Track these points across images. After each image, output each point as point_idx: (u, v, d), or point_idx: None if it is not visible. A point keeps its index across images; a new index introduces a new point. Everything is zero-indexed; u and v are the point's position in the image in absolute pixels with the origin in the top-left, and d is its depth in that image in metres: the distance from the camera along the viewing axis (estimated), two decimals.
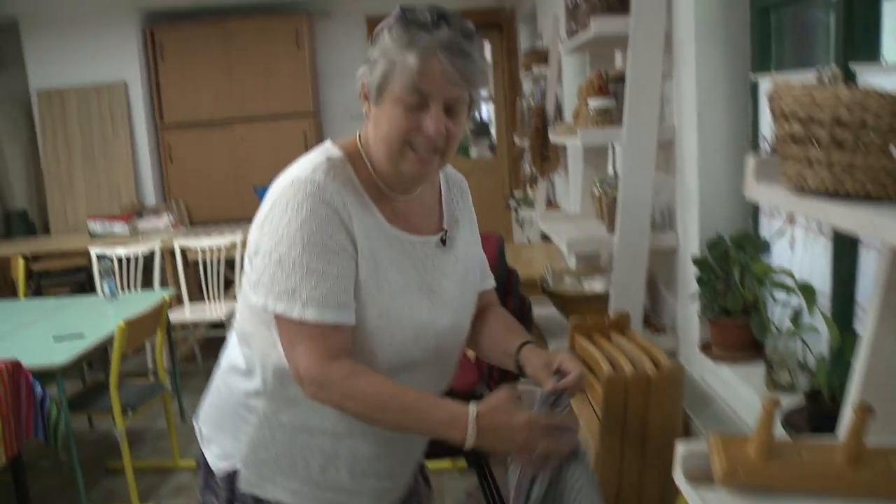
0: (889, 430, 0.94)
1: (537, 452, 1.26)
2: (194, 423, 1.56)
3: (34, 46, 6.37)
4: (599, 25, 2.42)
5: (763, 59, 2.15)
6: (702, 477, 0.92)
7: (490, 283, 1.62)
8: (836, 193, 0.74)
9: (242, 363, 1.42)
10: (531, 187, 5.15)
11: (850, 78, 1.68)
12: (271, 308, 1.29)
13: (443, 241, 1.45)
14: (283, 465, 1.40)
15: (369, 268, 1.31)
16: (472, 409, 1.24)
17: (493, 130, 8.44)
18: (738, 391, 2.00)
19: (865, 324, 0.96)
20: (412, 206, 1.43)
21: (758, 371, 1.99)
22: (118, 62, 6.34)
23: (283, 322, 1.29)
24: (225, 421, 1.46)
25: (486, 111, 10.39)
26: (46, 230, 6.55)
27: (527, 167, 5.18)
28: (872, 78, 1.64)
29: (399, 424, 1.30)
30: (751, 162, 0.89)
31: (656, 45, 2.36)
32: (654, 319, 2.72)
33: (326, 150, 1.38)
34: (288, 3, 6.52)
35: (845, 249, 1.75)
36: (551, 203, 5.01)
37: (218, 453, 1.46)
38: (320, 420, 1.38)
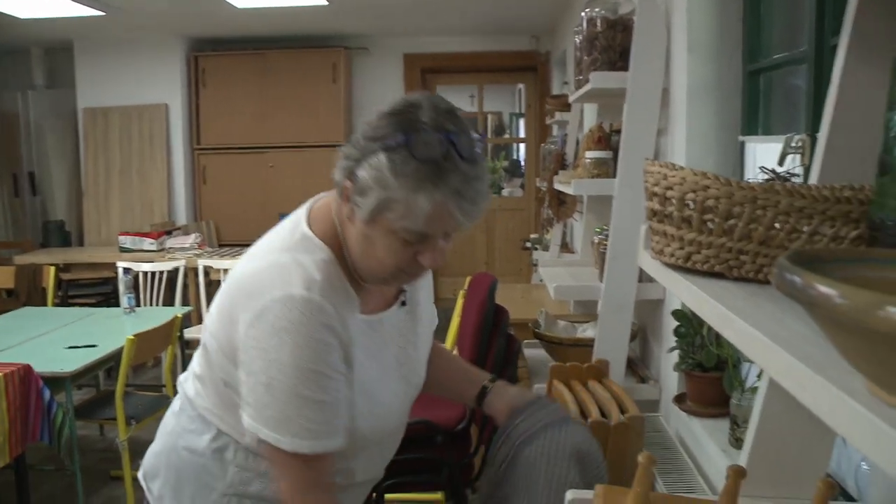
0: (772, 488, 0.99)
1: None
2: (141, 478, 1.48)
3: (85, 67, 6.65)
4: (598, 80, 2.49)
5: (752, 121, 2.21)
6: None
7: (435, 321, 1.60)
8: (686, 269, 0.80)
9: (209, 434, 1.37)
10: (547, 230, 5.21)
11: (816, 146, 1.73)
12: (262, 435, 1.21)
13: (403, 303, 1.41)
14: None
15: (360, 374, 1.28)
16: None
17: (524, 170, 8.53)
18: (703, 445, 2.03)
19: (759, 387, 1.01)
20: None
21: (725, 427, 2.01)
22: (161, 85, 6.59)
23: (270, 448, 1.23)
24: (182, 484, 1.40)
25: (522, 150, 10.50)
26: (81, 242, 6.77)
27: (546, 210, 5.24)
28: None
29: None
30: (642, 229, 0.95)
31: (653, 102, 2.42)
32: (641, 369, 2.75)
33: (310, 243, 1.27)
34: (327, 38, 6.71)
35: None
36: (567, 247, 5.06)
37: None
38: None
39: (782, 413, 0.98)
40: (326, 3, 5.12)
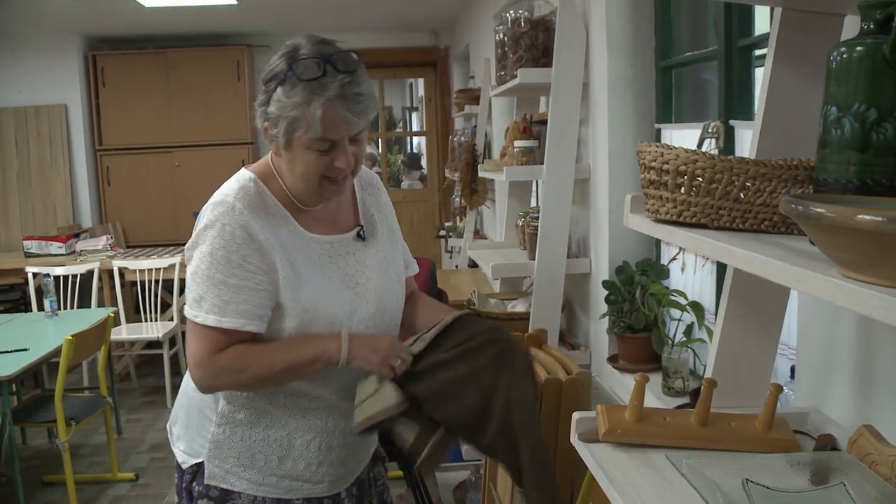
0: (730, 400, 1.25)
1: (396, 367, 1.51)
2: (168, 427, 1.72)
3: None
4: (525, 76, 2.73)
5: (665, 111, 2.50)
6: (591, 436, 1.20)
7: (413, 269, 1.81)
8: (678, 223, 1.05)
9: None
10: (461, 218, 5.45)
11: (729, 131, 2.03)
12: (186, 314, 1.49)
13: (360, 236, 1.62)
14: (244, 459, 1.56)
15: (288, 272, 1.48)
16: (345, 330, 1.51)
17: (424, 163, 8.73)
18: None
19: (717, 319, 1.27)
20: (328, 209, 1.60)
21: (656, 379, 2.30)
22: (59, 85, 6.42)
23: (189, 323, 1.50)
24: (191, 421, 1.62)
25: (418, 143, 10.71)
26: None
27: (457, 199, 5.49)
28: (746, 131, 1.99)
29: (291, 366, 1.49)
30: (627, 198, 1.19)
31: (575, 95, 2.69)
32: (570, 338, 3.03)
33: (240, 175, 1.56)
34: (229, 36, 6.73)
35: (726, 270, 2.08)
36: (479, 233, 5.33)
37: (185, 450, 1.62)
38: (273, 417, 1.56)
39: (734, 339, 1.24)
40: (235, 2, 5.18)
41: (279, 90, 1.42)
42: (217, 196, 1.51)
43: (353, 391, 1.56)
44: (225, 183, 1.56)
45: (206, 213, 1.49)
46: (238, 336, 1.47)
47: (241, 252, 1.45)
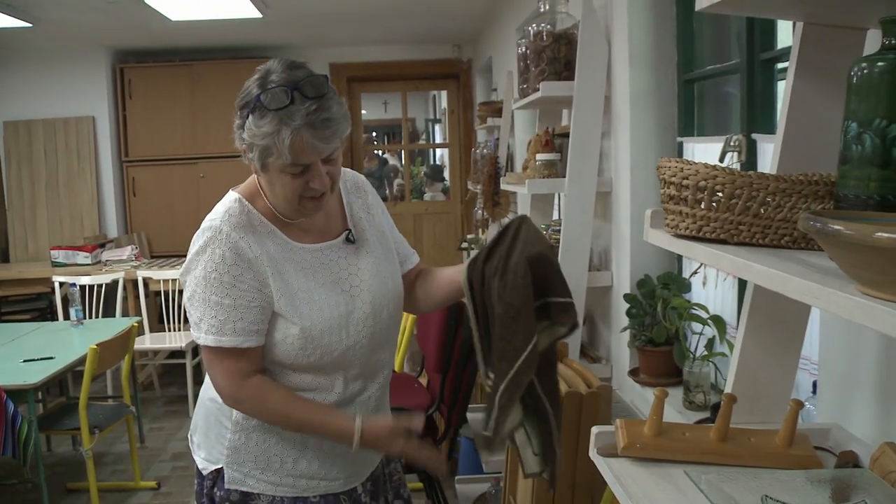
0: (750, 415, 1.24)
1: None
2: (189, 436, 1.78)
3: (4, 78, 6.52)
4: (547, 89, 2.74)
5: (687, 124, 2.50)
6: (610, 451, 1.20)
7: (413, 260, 1.83)
8: (698, 238, 1.05)
9: None
10: (483, 230, 5.46)
11: (751, 145, 2.02)
12: (193, 337, 1.56)
13: (349, 240, 1.66)
14: (261, 463, 1.62)
15: (280, 285, 1.53)
16: (358, 421, 1.55)
17: (446, 174, 8.74)
18: None
19: (737, 336, 1.26)
20: (316, 220, 1.63)
21: (678, 393, 2.29)
22: (87, 97, 6.52)
23: (201, 347, 1.57)
24: (209, 430, 1.68)
25: (441, 155, 10.74)
26: (5, 258, 6.63)
27: (479, 211, 5.50)
28: (768, 145, 1.98)
29: (301, 432, 1.59)
30: (647, 213, 1.20)
31: (597, 108, 2.69)
32: (591, 351, 3.02)
33: (227, 197, 1.60)
34: (254, 49, 6.80)
35: (747, 285, 2.07)
36: None
37: (205, 457, 1.68)
38: None
39: (754, 354, 1.24)
40: (261, 15, 5.24)
41: (250, 118, 1.44)
42: (205, 222, 1.56)
43: (358, 392, 1.64)
44: (214, 207, 1.61)
45: (197, 240, 1.54)
46: (244, 354, 1.53)
47: (232, 272, 1.50)
